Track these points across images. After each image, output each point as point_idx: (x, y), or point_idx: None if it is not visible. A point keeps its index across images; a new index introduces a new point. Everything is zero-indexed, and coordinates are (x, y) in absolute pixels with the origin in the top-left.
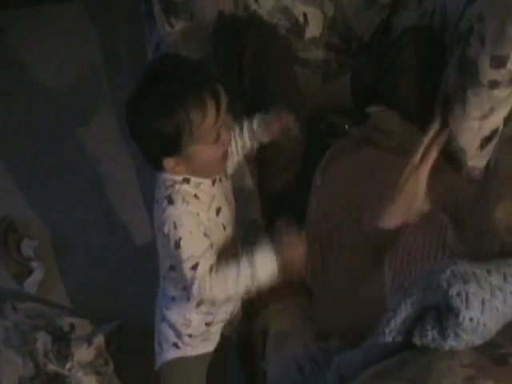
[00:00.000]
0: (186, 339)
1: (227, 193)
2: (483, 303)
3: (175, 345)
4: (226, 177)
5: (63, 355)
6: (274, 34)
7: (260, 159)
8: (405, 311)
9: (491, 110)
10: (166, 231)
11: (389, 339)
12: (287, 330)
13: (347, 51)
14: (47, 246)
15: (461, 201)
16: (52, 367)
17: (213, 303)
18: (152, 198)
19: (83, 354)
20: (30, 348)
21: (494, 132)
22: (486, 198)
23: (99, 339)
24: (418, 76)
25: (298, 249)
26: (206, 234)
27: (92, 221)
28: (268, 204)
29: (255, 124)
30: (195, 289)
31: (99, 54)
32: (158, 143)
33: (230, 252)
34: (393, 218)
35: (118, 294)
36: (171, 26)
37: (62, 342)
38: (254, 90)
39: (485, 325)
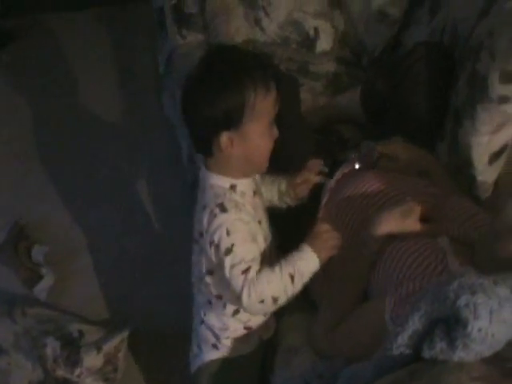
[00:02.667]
0: (225, 341)
1: (263, 208)
2: (491, 313)
3: (215, 346)
4: (260, 193)
5: (72, 361)
6: (281, 72)
7: None
8: (413, 325)
9: (501, 126)
10: (216, 238)
11: (396, 353)
12: (296, 346)
13: (358, 65)
14: (58, 252)
15: (468, 225)
16: (61, 373)
17: (256, 310)
18: (167, 201)
19: (92, 360)
20: (39, 353)
21: (504, 147)
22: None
23: (109, 346)
24: (428, 91)
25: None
26: (255, 241)
27: (103, 226)
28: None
29: (283, 187)
30: (246, 292)
31: (110, 65)
32: (220, 116)
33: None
34: (384, 225)
35: (129, 301)
36: (183, 37)
37: (72, 348)
38: None
39: (493, 335)
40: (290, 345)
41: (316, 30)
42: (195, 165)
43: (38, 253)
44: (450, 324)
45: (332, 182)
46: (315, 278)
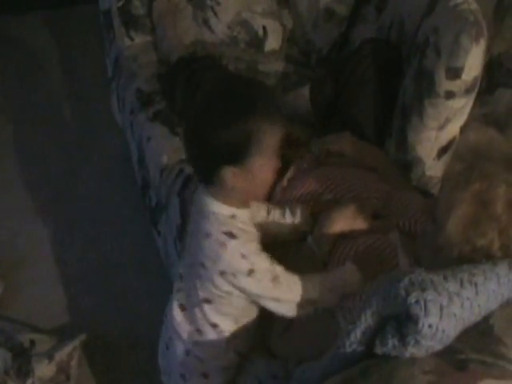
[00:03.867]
0: (214, 371)
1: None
2: (441, 309)
3: (204, 375)
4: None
5: (24, 372)
6: (228, 72)
7: None
8: (365, 322)
9: (448, 121)
10: (231, 267)
11: (349, 350)
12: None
13: (306, 64)
14: (5, 261)
15: (415, 219)
16: None
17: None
18: (110, 210)
19: (44, 369)
20: None
21: (451, 142)
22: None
23: (60, 354)
24: (376, 88)
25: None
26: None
27: (50, 235)
28: None
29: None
30: (283, 292)
31: (57, 68)
32: (225, 151)
33: None
34: (335, 224)
35: (79, 309)
36: (131, 38)
37: (23, 359)
38: None
39: (443, 331)
40: None
41: (264, 29)
42: (145, 167)
43: None
44: (402, 320)
45: (284, 182)
46: None
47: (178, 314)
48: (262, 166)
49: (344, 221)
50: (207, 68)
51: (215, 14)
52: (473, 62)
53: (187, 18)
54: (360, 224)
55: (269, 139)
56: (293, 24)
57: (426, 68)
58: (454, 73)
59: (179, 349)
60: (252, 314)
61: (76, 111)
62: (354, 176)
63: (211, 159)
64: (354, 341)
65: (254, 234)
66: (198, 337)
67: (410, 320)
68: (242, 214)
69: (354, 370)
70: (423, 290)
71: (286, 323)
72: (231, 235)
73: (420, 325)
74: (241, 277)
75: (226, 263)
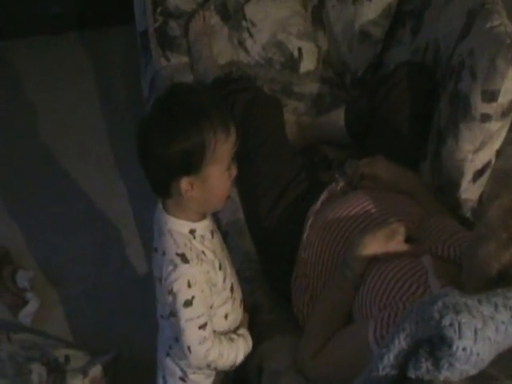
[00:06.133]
0: (192, 376)
1: (222, 244)
2: (475, 333)
3: (182, 379)
4: (217, 229)
5: None
6: (262, 95)
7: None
8: (398, 346)
9: (483, 144)
10: (175, 288)
11: (382, 374)
12: (281, 368)
13: (341, 85)
14: (42, 277)
15: (449, 243)
16: None
17: (200, 366)
18: (145, 231)
19: None
20: (24, 379)
21: (487, 165)
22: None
23: (95, 370)
24: (411, 111)
25: None
26: (211, 293)
27: (86, 252)
28: (260, 238)
29: None
30: (201, 348)
31: (94, 88)
32: (179, 161)
33: (228, 301)
34: (368, 247)
35: (113, 326)
36: (167, 59)
37: (58, 374)
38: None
39: (478, 354)
40: (274, 369)
41: (300, 50)
42: None
43: (22, 278)
44: (435, 343)
45: (317, 204)
46: (299, 297)
47: (160, 318)
48: (217, 174)
49: (377, 244)
50: (243, 89)
51: (251, 35)
52: (509, 85)
53: (223, 39)
54: (393, 247)
55: (223, 149)
56: (328, 45)
57: (461, 91)
58: (490, 96)
59: (161, 350)
60: (222, 325)
61: (113, 132)
62: (388, 199)
63: (167, 171)
64: (387, 364)
65: (209, 260)
66: (174, 343)
67: (444, 343)
68: (200, 226)
69: None
70: (457, 312)
71: (314, 348)
72: (184, 258)
73: (454, 348)
74: (178, 302)
75: (172, 282)
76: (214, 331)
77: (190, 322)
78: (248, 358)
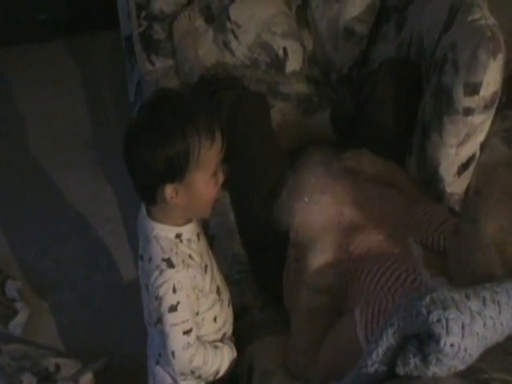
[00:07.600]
0: (182, 383)
1: (208, 247)
2: (463, 328)
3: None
4: (203, 231)
5: None
6: (249, 93)
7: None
8: (386, 342)
9: (467, 137)
10: (161, 293)
11: (371, 370)
12: (272, 368)
13: (327, 84)
14: (31, 287)
15: (439, 233)
16: None
17: (184, 372)
18: (134, 235)
19: None
20: None
21: (471, 158)
22: (471, 219)
23: (85, 378)
24: (395, 106)
25: None
26: (197, 299)
27: (75, 259)
28: (250, 238)
29: None
30: (185, 353)
31: (82, 93)
32: (164, 167)
33: (216, 303)
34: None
35: (104, 333)
36: (152, 64)
37: (48, 383)
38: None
39: (466, 350)
40: (264, 368)
41: (285, 50)
42: None
43: (11, 288)
44: (423, 339)
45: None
46: (291, 293)
47: (148, 325)
48: (202, 181)
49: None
50: (228, 88)
51: (235, 36)
52: (491, 78)
53: (208, 40)
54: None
55: (208, 155)
56: (313, 44)
57: (444, 84)
58: (472, 89)
59: (151, 357)
60: (212, 328)
61: (100, 136)
62: (372, 192)
63: (152, 177)
64: (375, 360)
65: (196, 264)
66: (163, 350)
67: (432, 339)
68: (186, 229)
69: None
70: (445, 308)
71: (303, 345)
72: (170, 263)
73: (442, 344)
74: (163, 307)
75: (157, 287)
76: (199, 338)
77: (174, 327)
78: (234, 365)
